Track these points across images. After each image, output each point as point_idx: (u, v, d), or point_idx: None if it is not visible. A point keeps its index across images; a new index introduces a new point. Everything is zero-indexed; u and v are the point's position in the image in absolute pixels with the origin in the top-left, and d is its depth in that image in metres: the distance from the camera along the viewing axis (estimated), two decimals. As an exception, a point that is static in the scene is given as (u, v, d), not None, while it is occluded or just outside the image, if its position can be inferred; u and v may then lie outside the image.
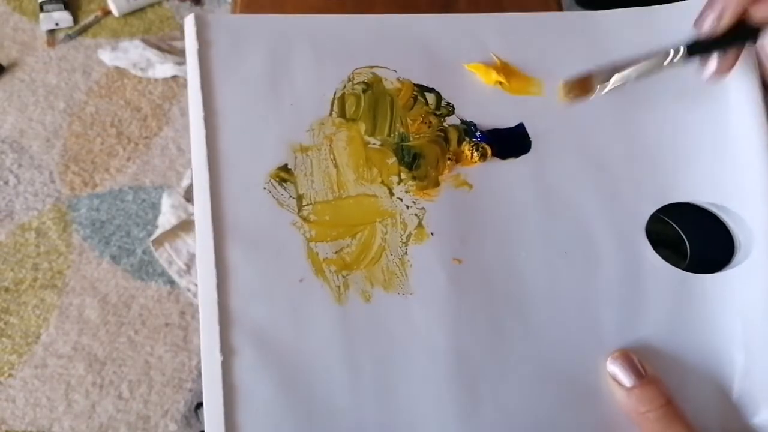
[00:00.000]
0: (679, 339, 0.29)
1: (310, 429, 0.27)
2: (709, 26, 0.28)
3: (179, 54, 1.18)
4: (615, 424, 0.27)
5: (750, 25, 0.28)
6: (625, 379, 0.27)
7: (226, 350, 0.27)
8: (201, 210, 0.29)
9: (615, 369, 0.28)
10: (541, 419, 0.28)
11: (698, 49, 0.29)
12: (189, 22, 0.32)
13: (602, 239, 0.30)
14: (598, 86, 0.30)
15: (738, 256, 0.31)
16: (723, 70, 0.29)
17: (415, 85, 0.33)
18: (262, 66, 0.32)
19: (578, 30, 0.35)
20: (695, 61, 0.29)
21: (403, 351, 0.28)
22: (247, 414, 0.26)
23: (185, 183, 1.05)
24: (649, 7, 0.35)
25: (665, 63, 0.29)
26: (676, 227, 0.32)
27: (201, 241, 0.28)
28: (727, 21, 0.28)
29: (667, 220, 0.32)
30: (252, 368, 0.27)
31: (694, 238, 0.31)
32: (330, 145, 0.31)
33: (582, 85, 0.30)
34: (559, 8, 0.50)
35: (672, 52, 0.29)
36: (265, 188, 0.30)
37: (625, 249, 0.30)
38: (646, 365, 0.28)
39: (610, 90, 0.29)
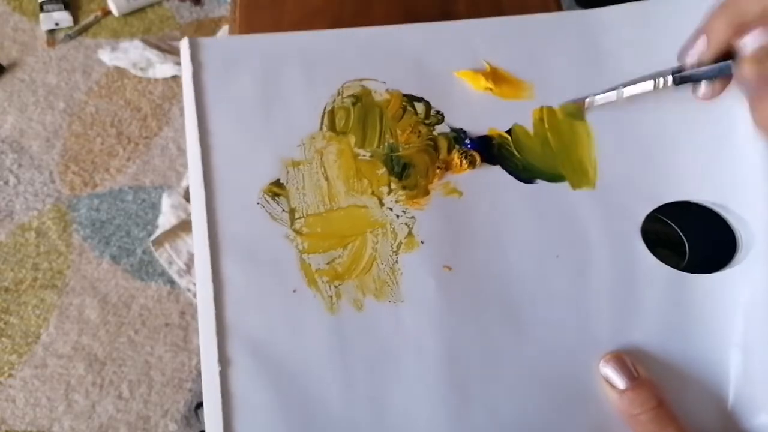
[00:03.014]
0: (676, 340, 0.29)
1: None
2: (693, 60, 0.29)
3: (179, 54, 1.18)
4: (608, 427, 0.27)
5: (734, 56, 0.28)
6: (618, 381, 0.27)
7: (223, 360, 0.28)
8: (198, 226, 0.30)
9: (608, 371, 0.28)
10: (533, 423, 0.28)
11: (685, 79, 0.30)
12: (183, 46, 0.33)
13: (595, 241, 0.30)
14: (588, 99, 0.32)
15: (740, 254, 0.30)
16: (712, 94, 0.30)
17: (404, 95, 0.33)
18: (253, 85, 0.33)
19: (570, 30, 0.34)
20: (685, 86, 0.30)
21: (395, 358, 0.28)
22: (245, 421, 0.27)
23: (185, 183, 1.06)
24: (642, 2, 0.34)
25: (654, 88, 0.30)
26: (675, 227, 0.31)
27: (198, 255, 0.29)
28: (710, 54, 0.29)
29: (666, 220, 0.31)
30: (248, 377, 0.28)
31: (693, 238, 0.31)
32: (321, 159, 0.31)
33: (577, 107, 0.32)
34: (559, 8, 0.49)
35: (661, 80, 0.30)
36: (258, 203, 0.30)
37: (619, 250, 0.30)
38: (638, 367, 0.27)
39: (599, 105, 0.32)
